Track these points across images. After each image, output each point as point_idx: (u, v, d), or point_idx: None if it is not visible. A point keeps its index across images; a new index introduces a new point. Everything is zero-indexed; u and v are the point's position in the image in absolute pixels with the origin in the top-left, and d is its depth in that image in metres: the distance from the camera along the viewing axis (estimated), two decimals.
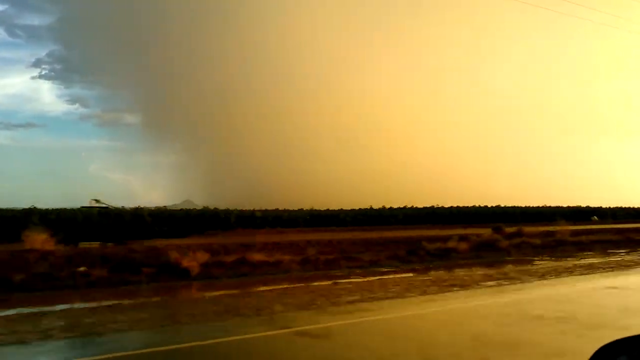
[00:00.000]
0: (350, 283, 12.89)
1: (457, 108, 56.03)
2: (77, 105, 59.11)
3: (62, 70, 54.12)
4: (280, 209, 34.23)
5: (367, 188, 45.83)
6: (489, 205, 47.47)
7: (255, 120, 51.38)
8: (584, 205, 50.58)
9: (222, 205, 30.44)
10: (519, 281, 13.06)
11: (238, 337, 7.20)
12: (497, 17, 53.70)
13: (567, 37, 54.56)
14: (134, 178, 55.95)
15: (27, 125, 58.66)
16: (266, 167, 51.14)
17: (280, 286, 12.35)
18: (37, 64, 58.12)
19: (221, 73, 50.72)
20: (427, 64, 54.56)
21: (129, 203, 29.05)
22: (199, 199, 38.81)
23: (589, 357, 1.71)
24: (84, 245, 17.27)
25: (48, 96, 63.18)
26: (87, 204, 21.84)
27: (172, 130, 54.19)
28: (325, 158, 51.34)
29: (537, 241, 22.29)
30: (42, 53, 67.33)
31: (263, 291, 11.89)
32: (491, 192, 48.60)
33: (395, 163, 52.42)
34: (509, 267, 16.23)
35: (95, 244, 17.90)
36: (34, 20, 65.11)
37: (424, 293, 11.15)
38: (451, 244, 19.32)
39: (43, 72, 55.40)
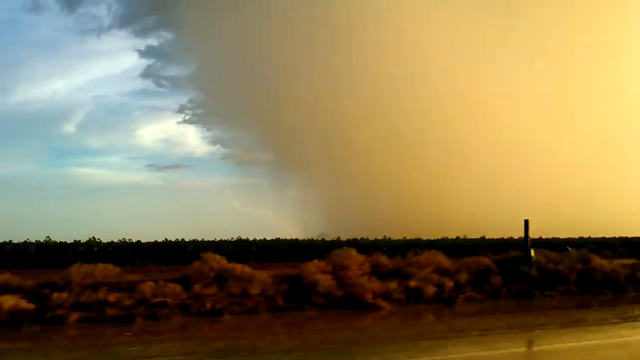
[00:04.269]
0: None
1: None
2: (218, 146, 65.18)
3: (203, 114, 60.32)
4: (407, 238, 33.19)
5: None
6: None
7: (381, 155, 52.10)
8: None
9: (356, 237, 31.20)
10: None
11: None
12: None
13: None
14: (272, 213, 59.73)
15: (175, 166, 65.14)
16: (392, 198, 50.84)
17: None
18: (181, 110, 65.14)
19: (348, 111, 52.75)
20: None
21: (270, 236, 31.14)
22: (331, 232, 39.69)
23: None
24: None
25: (192, 139, 69.51)
26: None
27: (304, 166, 56.76)
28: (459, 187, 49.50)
29: None
30: (184, 100, 75.14)
31: None
32: None
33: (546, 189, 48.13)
34: None
35: None
36: (176, 71, 73.09)
37: None
38: None
39: (186, 117, 62.38)
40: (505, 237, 28.87)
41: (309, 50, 52.53)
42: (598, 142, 48.63)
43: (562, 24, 49.49)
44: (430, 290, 12.30)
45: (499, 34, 49.44)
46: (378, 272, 12.60)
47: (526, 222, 14.46)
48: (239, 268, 11.43)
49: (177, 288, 10.71)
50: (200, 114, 63.89)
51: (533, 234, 14.94)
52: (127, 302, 10.19)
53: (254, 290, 11.03)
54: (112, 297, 10.12)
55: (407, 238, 31.73)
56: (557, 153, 49.22)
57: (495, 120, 51.31)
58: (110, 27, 61.91)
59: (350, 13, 50.59)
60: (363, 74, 52.24)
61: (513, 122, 50.90)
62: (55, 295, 9.96)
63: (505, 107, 50.95)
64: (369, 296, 11.55)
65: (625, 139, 48.95)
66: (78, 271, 10.53)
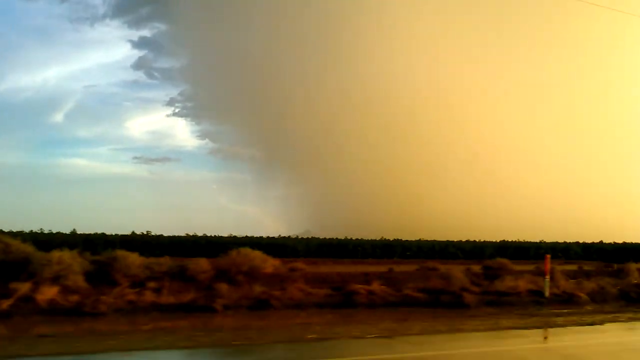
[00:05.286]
0: None
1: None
2: (206, 141, 64.82)
3: (192, 108, 59.61)
4: (389, 238, 33.32)
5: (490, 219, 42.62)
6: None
7: (364, 153, 52.07)
8: None
9: (340, 236, 31.43)
10: None
11: None
12: None
13: None
14: (258, 209, 59.50)
15: (164, 159, 64.68)
16: (376, 198, 50.61)
17: None
18: (171, 102, 64.39)
19: (333, 110, 52.68)
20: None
21: (255, 233, 31.33)
22: (316, 230, 39.77)
23: None
24: None
25: (181, 132, 69.02)
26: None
27: (291, 163, 56.79)
28: (437, 187, 49.27)
29: None
30: (175, 93, 74.58)
31: None
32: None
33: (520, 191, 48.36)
34: None
35: None
36: (168, 63, 72.59)
37: None
38: None
39: (176, 110, 61.23)
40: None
41: (300, 50, 52.15)
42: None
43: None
44: None
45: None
46: None
47: None
48: None
49: None
50: (190, 108, 62.41)
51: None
52: None
53: None
54: None
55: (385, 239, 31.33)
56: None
57: (470, 132, 50.31)
58: (104, 17, 60.47)
59: (341, 13, 49.99)
60: (351, 76, 51.76)
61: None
62: None
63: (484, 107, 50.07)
64: None
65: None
66: None
